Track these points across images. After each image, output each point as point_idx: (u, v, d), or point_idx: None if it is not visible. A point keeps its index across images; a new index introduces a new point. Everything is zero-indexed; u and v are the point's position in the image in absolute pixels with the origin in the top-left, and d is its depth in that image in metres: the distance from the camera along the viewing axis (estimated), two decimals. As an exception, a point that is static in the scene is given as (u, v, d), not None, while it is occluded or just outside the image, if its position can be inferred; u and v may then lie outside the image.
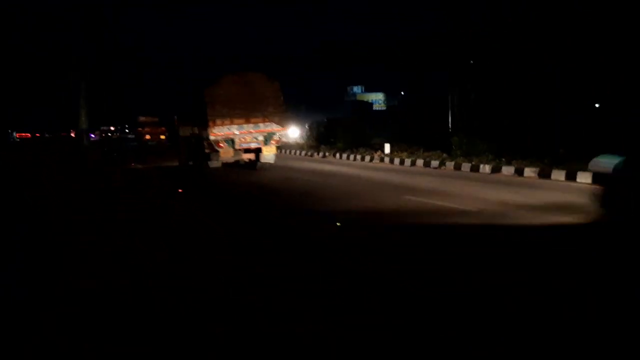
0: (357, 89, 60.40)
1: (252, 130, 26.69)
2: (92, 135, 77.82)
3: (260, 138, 26.79)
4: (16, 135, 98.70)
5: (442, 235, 10.67)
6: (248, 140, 26.73)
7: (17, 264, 8.94)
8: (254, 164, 27.29)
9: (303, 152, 38.19)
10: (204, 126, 26.55)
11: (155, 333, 5.98)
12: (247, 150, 27.08)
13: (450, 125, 30.53)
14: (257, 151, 27.16)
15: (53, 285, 7.78)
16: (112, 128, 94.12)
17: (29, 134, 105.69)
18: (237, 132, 26.49)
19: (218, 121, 26.24)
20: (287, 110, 29.45)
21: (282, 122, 27.33)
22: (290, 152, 39.22)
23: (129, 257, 9.23)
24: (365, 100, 58.61)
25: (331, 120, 42.06)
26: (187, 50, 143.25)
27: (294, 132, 47.91)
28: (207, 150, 26.70)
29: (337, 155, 33.62)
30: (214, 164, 26.74)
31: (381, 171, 23.98)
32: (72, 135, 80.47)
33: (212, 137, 26.21)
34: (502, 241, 10.05)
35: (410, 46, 45.24)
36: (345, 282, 7.72)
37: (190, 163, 29.00)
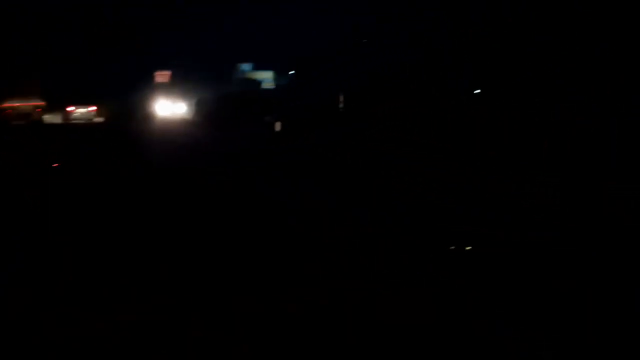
0: (246, 66, 61.24)
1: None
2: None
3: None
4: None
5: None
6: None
7: (17, 264, 8.94)
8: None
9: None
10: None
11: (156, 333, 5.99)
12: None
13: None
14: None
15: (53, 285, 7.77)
16: None
17: None
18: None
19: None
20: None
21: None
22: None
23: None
24: (254, 78, 59.48)
25: (220, 97, 42.86)
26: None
27: (180, 108, 46.67)
28: None
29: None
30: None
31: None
32: None
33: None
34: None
35: None
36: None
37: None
